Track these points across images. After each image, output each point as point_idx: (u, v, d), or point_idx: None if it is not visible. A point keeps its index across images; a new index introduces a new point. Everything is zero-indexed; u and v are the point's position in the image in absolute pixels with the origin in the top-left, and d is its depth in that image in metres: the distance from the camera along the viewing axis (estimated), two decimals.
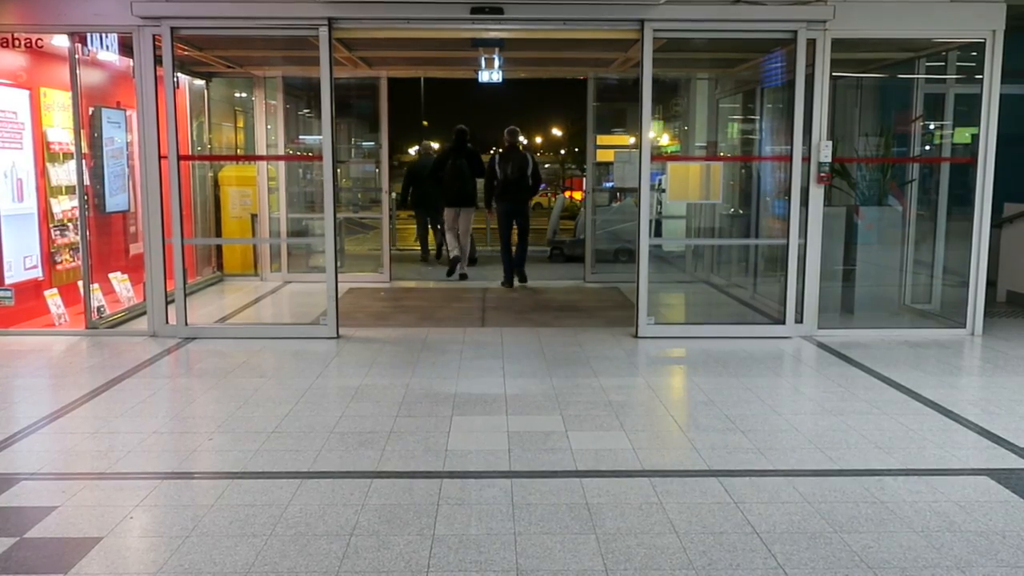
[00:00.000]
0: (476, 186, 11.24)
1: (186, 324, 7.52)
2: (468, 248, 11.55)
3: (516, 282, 10.58)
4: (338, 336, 7.50)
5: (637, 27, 7.25)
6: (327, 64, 7.21)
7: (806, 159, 7.50)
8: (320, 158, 7.38)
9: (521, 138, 10.91)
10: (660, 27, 7.24)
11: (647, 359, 6.88)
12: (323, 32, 7.16)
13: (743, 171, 10.65)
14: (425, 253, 13.53)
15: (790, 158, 7.52)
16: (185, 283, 7.58)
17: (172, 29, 7.18)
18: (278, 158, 11.37)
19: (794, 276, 7.56)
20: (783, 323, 7.64)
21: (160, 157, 7.38)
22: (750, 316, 8.70)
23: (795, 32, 7.25)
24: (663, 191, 9.34)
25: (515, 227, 10.70)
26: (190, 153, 10.11)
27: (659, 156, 7.79)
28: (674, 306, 9.92)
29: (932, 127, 9.10)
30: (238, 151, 12.00)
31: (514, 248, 10.61)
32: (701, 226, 11.14)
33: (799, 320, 7.61)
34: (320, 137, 7.49)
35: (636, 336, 7.53)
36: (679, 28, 7.37)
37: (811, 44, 7.33)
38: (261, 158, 11.21)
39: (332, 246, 7.49)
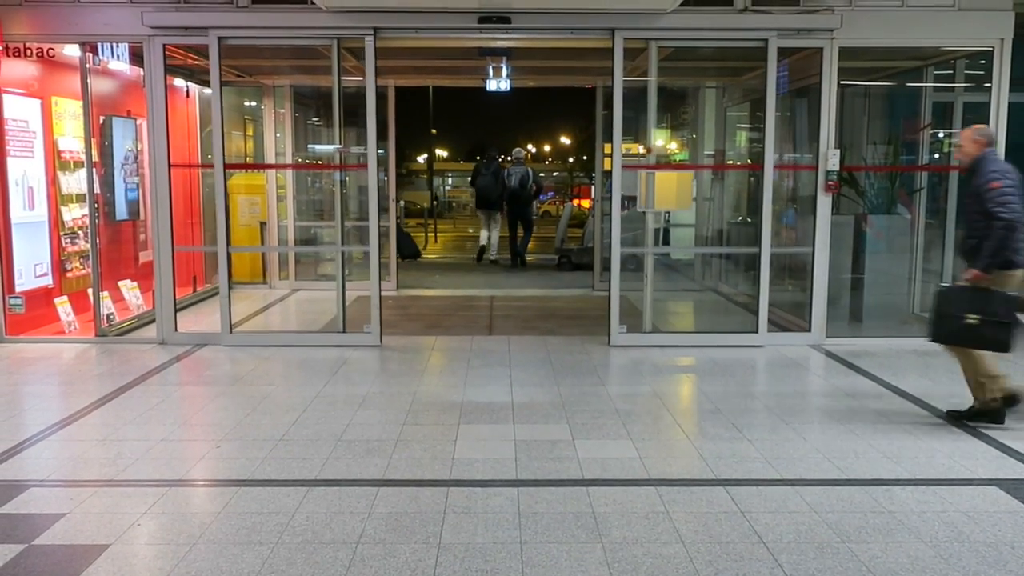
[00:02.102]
0: (501, 194, 13.84)
1: (231, 332, 7.55)
2: (496, 239, 14.18)
3: (519, 263, 13.57)
4: (381, 344, 7.53)
5: (608, 36, 7.30)
6: (372, 71, 7.27)
7: (779, 167, 7.50)
8: (363, 166, 7.49)
9: (522, 155, 14.42)
10: (629, 35, 7.29)
11: (654, 368, 6.87)
12: (369, 41, 7.23)
13: (752, 179, 10.64)
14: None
15: (761, 167, 7.52)
16: (230, 290, 7.58)
17: (220, 39, 7.24)
18: (315, 167, 11.46)
19: (766, 285, 7.56)
20: (755, 332, 7.63)
21: (169, 165, 7.43)
22: (752, 324, 8.65)
23: (766, 40, 7.26)
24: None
25: (520, 224, 13.76)
26: (200, 162, 10.17)
27: (630, 165, 7.90)
28: (680, 314, 9.91)
29: (941, 135, 9.09)
30: (247, 159, 12.05)
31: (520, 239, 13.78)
32: (707, 235, 11.13)
33: (808, 328, 7.59)
34: (330, 146, 7.55)
35: (609, 345, 7.51)
36: (647, 36, 7.41)
37: (818, 52, 7.34)
38: (299, 167, 11.28)
39: (376, 253, 7.54)
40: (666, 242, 11.08)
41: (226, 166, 7.48)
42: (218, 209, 7.48)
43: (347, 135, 8.03)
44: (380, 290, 7.56)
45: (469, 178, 15.34)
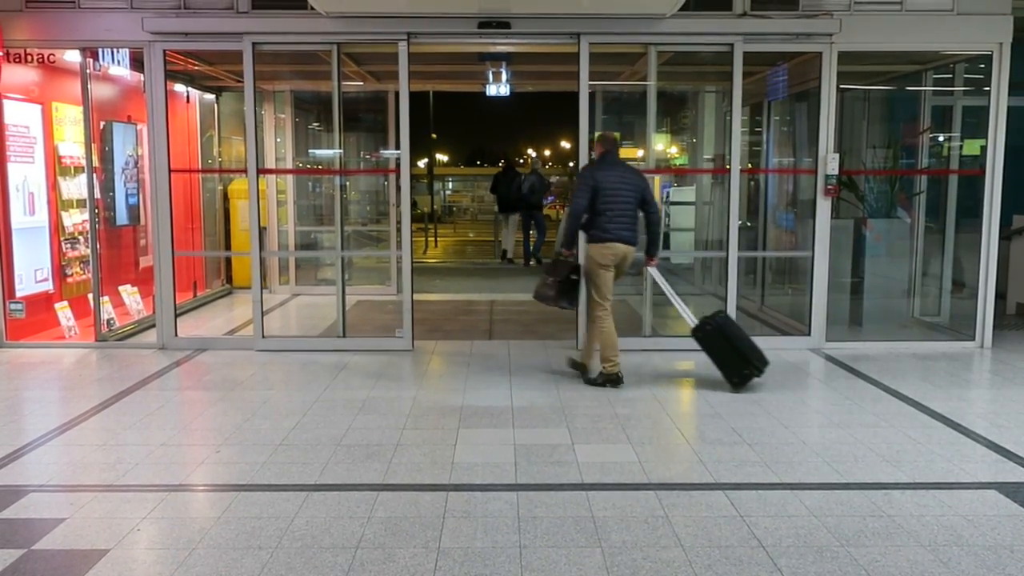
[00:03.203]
0: (518, 199, 15.09)
1: (263, 336, 7.56)
2: (513, 241, 15.57)
3: (532, 263, 14.59)
4: (413, 348, 7.55)
5: (573, 40, 7.33)
6: (405, 76, 7.34)
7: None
8: (395, 170, 7.55)
9: (537, 165, 16.84)
10: (594, 40, 7.33)
11: (654, 372, 6.87)
12: (402, 46, 7.28)
13: (752, 183, 10.65)
14: None
15: (727, 171, 7.58)
16: (262, 295, 7.60)
17: (254, 44, 7.26)
18: (343, 171, 11.46)
19: (734, 289, 7.64)
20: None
21: (170, 170, 7.44)
22: (757, 328, 8.67)
23: (732, 45, 7.28)
24: (672, 204, 9.40)
25: (533, 226, 14.92)
26: (199, 167, 10.20)
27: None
28: (672, 319, 9.89)
29: (940, 139, 9.10)
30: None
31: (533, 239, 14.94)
32: (707, 238, 11.13)
33: (808, 332, 7.58)
34: (332, 151, 7.59)
35: (577, 348, 7.52)
36: (611, 42, 7.47)
37: (817, 57, 7.36)
38: (324, 172, 11.32)
39: (408, 256, 7.58)
40: (666, 246, 11.08)
41: (260, 171, 7.48)
42: (251, 213, 7.49)
43: (348, 140, 8.05)
44: (412, 293, 7.59)
45: (489, 187, 16.92)
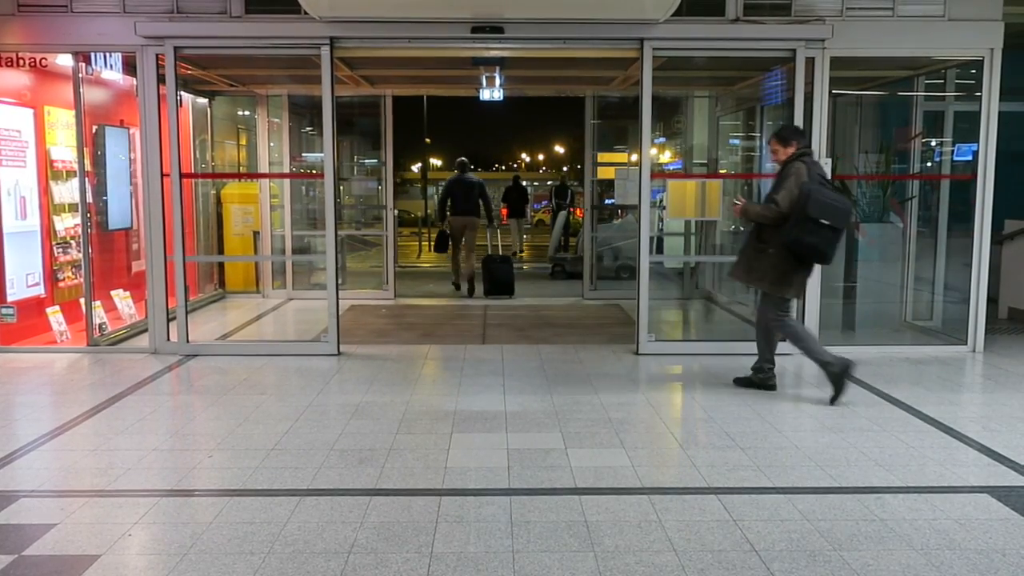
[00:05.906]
0: (525, 205, 19.60)
1: (188, 341, 7.53)
2: (520, 240, 19.20)
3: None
4: (339, 353, 7.51)
5: (636, 46, 7.31)
6: (329, 83, 7.27)
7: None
8: (321, 175, 7.46)
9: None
10: (659, 46, 7.30)
11: (647, 376, 6.87)
12: (325, 51, 7.23)
13: (745, 188, 10.68)
14: None
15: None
16: (187, 300, 7.58)
17: (176, 48, 7.26)
18: (272, 176, 11.42)
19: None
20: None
21: (163, 175, 7.43)
22: (752, 333, 8.67)
23: (793, 51, 7.29)
24: (663, 208, 9.39)
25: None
26: (192, 171, 10.18)
27: (659, 173, 7.89)
28: (676, 323, 9.92)
29: (933, 144, 9.13)
30: (240, 168, 12.05)
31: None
32: (703, 243, 11.15)
33: None
34: (322, 154, 7.56)
35: (637, 353, 7.53)
36: (678, 47, 7.43)
37: (810, 62, 7.37)
38: (253, 176, 11.27)
39: (333, 263, 7.52)
40: (660, 250, 11.09)
41: (183, 175, 7.51)
42: (174, 216, 7.46)
43: (339, 144, 8.03)
44: (338, 299, 7.57)
45: (501, 196, 19.89)
